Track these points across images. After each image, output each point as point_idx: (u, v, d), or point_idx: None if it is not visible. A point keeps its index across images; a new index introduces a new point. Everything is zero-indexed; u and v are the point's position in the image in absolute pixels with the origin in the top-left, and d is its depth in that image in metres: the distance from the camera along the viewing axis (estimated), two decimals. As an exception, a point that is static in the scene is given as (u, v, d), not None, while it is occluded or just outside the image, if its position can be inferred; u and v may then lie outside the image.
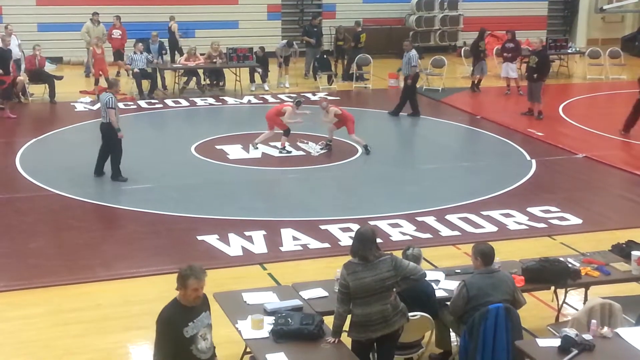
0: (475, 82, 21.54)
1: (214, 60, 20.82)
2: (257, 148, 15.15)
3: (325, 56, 22.65)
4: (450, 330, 7.59)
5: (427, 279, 7.38)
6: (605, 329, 6.76)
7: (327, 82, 22.06)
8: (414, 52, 18.51)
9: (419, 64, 18.92)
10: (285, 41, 22.52)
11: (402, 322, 6.77)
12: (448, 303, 7.54)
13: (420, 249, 7.60)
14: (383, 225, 11.29)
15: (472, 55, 22.02)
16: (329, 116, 15.17)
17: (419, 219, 11.70)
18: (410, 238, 10.87)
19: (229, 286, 8.54)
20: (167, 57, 21.86)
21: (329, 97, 18.61)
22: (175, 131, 17.48)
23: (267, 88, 21.40)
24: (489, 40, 25.59)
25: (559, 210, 12.17)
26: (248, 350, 6.96)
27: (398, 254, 7.40)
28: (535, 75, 18.15)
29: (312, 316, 6.86)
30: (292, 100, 16.62)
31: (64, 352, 7.97)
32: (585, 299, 8.32)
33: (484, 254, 7.13)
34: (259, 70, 21.34)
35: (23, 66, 19.56)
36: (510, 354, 6.84)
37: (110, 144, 13.10)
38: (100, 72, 20.19)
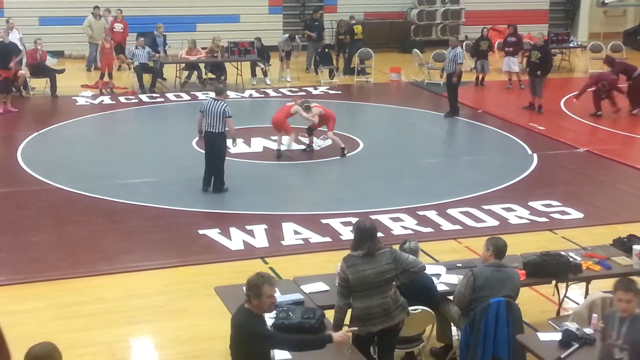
0: (479, 78, 21.52)
1: (215, 54, 20.81)
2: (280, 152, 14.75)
3: (326, 50, 22.63)
4: (452, 324, 7.60)
5: (428, 272, 7.40)
6: (606, 323, 6.77)
7: (329, 76, 22.04)
8: (460, 49, 18.11)
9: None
10: (287, 35, 22.51)
11: (402, 316, 6.77)
12: (450, 297, 7.56)
13: (417, 242, 7.60)
14: (384, 219, 11.30)
15: (474, 54, 22.00)
16: (310, 114, 14.71)
17: (420, 213, 11.70)
18: (411, 232, 10.88)
19: (230, 280, 8.56)
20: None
21: (331, 92, 18.57)
22: (176, 125, 17.48)
23: (268, 82, 21.38)
24: (491, 34, 25.55)
25: (560, 204, 12.17)
26: (249, 344, 6.97)
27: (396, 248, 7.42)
28: (539, 72, 18.12)
29: (314, 310, 6.87)
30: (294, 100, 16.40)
31: (66, 346, 7.88)
32: (587, 293, 8.33)
33: (496, 248, 7.17)
34: (261, 64, 21.33)
35: (24, 60, 19.55)
36: (511, 348, 6.85)
37: (222, 153, 12.30)
38: (106, 67, 20.26)
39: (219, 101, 12.14)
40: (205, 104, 12.26)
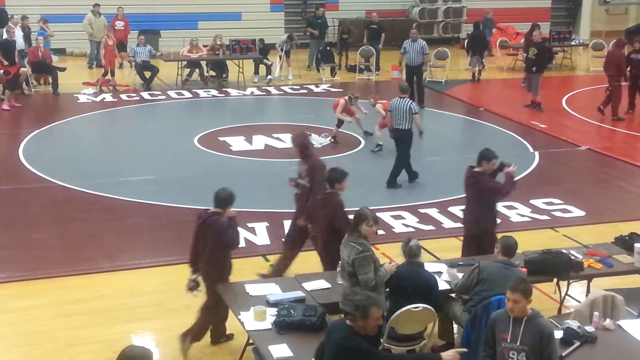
0: (475, 73, 21.70)
1: (217, 52, 20.79)
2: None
3: (328, 48, 22.62)
4: (453, 321, 7.60)
5: (429, 270, 7.43)
6: (608, 321, 6.77)
7: (330, 74, 22.04)
8: (423, 41, 18.66)
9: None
10: (286, 35, 22.50)
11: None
12: (453, 295, 7.57)
13: (418, 241, 7.58)
14: (386, 217, 11.28)
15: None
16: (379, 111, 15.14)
17: (422, 210, 11.70)
18: (412, 230, 10.87)
19: (231, 277, 8.55)
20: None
21: (332, 89, 18.57)
22: (178, 123, 17.48)
23: (269, 77, 21.35)
24: (493, 32, 25.57)
25: (561, 202, 12.16)
26: (251, 341, 6.98)
27: (398, 245, 7.44)
28: (534, 68, 18.20)
29: (315, 308, 6.88)
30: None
31: (67, 344, 7.99)
32: (588, 291, 8.32)
33: (505, 245, 7.20)
34: (267, 61, 21.32)
35: (26, 58, 19.56)
36: (513, 346, 6.84)
37: (405, 151, 12.70)
38: (109, 64, 20.26)
39: (404, 99, 12.64)
40: (393, 102, 12.74)
